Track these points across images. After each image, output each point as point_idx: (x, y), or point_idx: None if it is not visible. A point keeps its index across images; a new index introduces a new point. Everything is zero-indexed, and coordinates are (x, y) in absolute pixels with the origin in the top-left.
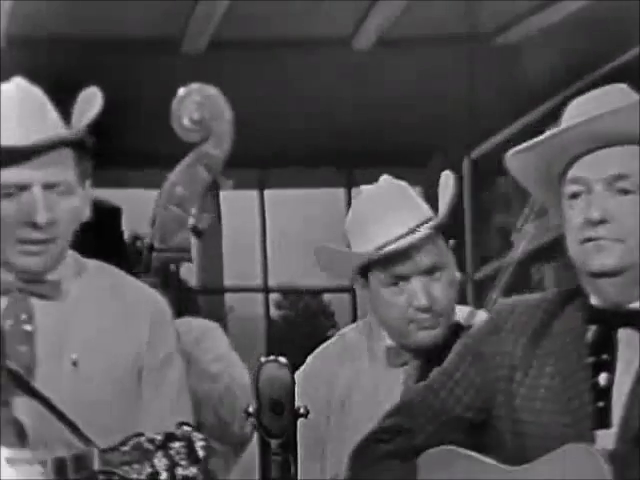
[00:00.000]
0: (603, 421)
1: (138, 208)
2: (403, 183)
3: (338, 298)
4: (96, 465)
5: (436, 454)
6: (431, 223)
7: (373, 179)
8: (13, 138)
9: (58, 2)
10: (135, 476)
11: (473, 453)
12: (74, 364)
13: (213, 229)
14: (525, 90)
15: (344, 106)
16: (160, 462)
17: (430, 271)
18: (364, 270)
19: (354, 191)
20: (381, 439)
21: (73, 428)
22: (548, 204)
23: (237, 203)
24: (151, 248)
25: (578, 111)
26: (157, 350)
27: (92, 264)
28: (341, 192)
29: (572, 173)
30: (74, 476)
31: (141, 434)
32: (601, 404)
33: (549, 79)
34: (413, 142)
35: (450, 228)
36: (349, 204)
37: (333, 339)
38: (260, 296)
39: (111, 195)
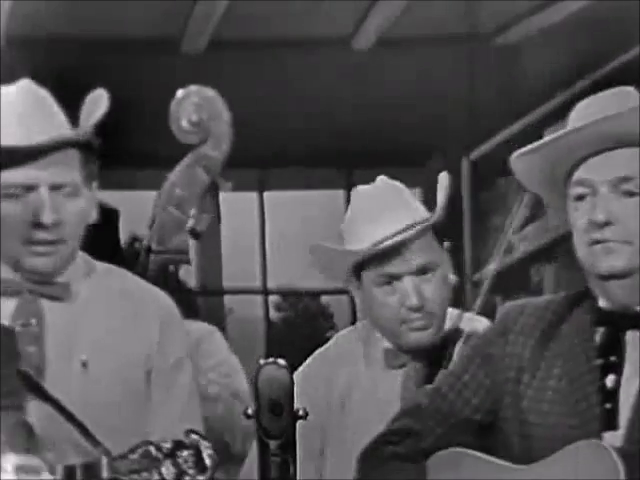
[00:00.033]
0: (610, 423)
1: (136, 209)
2: (399, 183)
3: (337, 300)
4: (105, 473)
5: (445, 456)
6: (422, 222)
7: (373, 180)
8: (19, 138)
9: (57, 2)
10: None
11: (482, 454)
12: (84, 365)
13: (212, 230)
14: (525, 90)
15: (344, 106)
16: (168, 470)
17: (422, 271)
18: (358, 270)
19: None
20: (390, 441)
21: (82, 429)
22: (553, 206)
23: (236, 204)
24: (149, 250)
25: (584, 113)
26: (167, 352)
27: (102, 266)
28: (341, 193)
29: (577, 175)
30: None
31: (150, 442)
32: (608, 406)
33: (549, 79)
34: (413, 142)
35: (448, 229)
36: (349, 205)
37: (331, 341)
38: (259, 298)
39: (109, 196)
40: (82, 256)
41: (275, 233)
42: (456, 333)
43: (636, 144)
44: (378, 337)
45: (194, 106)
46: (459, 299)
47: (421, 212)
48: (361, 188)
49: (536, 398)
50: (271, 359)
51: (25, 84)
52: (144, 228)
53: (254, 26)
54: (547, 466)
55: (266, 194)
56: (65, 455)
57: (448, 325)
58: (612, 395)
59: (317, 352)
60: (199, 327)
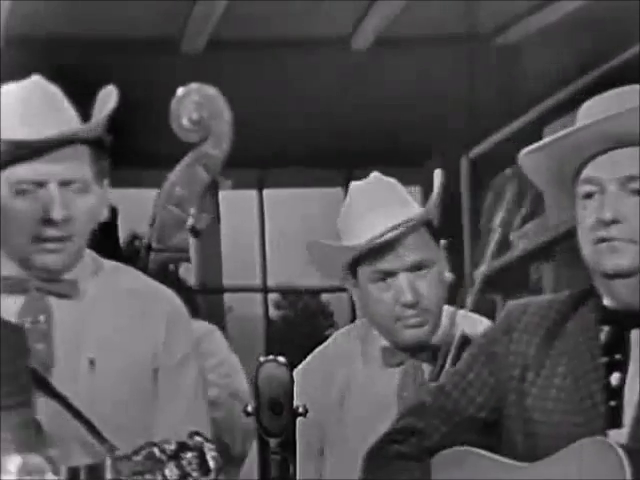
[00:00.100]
0: (615, 421)
1: (136, 208)
2: (393, 180)
3: (337, 298)
4: (109, 475)
5: (450, 454)
6: (408, 218)
7: None
8: (28, 133)
9: (57, 2)
10: None
11: (487, 453)
12: (91, 363)
13: (212, 229)
14: (524, 90)
15: (344, 106)
16: (172, 472)
17: (417, 267)
18: (354, 267)
19: None
20: (395, 440)
21: (89, 426)
22: (559, 204)
23: (236, 203)
24: (149, 248)
25: (592, 111)
26: (173, 350)
27: (109, 264)
28: (340, 192)
29: (586, 173)
30: None
31: (154, 443)
32: (613, 403)
33: (548, 79)
34: (412, 142)
35: (448, 227)
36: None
37: (330, 339)
38: (259, 296)
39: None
40: (90, 254)
41: (275, 231)
42: (452, 331)
43: None
44: (376, 335)
45: (195, 104)
46: (459, 297)
47: (415, 209)
48: (355, 184)
49: (541, 396)
50: (271, 357)
51: (35, 80)
52: (144, 226)
53: (254, 26)
54: (552, 464)
55: (266, 192)
56: (72, 452)
57: (444, 323)
58: (617, 393)
59: (316, 350)
60: (199, 326)
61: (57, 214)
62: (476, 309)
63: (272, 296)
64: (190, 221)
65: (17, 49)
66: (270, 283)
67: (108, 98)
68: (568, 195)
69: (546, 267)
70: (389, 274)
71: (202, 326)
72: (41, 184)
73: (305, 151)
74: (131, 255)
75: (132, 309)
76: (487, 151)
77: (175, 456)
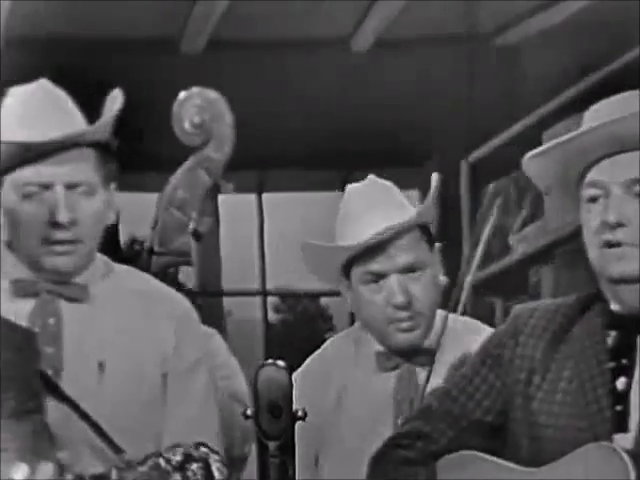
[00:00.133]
0: (621, 425)
1: (135, 211)
2: (389, 183)
3: (336, 302)
4: None
5: (455, 458)
6: (402, 221)
7: None
8: (34, 136)
9: (57, 2)
10: None
11: (492, 457)
12: (100, 366)
13: (211, 232)
14: (524, 92)
15: (344, 107)
16: None
17: (409, 269)
18: (347, 269)
19: None
20: (400, 445)
21: (97, 430)
22: (565, 208)
23: (235, 206)
24: (151, 251)
25: (598, 114)
26: (182, 355)
27: (120, 268)
28: (339, 195)
29: (590, 177)
30: None
31: (160, 454)
32: (619, 408)
33: (548, 80)
34: (412, 143)
35: (447, 230)
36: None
37: (327, 343)
38: (258, 299)
39: None
40: (101, 257)
41: (274, 235)
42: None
43: None
44: (370, 339)
45: (196, 108)
46: (451, 301)
47: (410, 211)
48: (351, 186)
49: (546, 400)
50: (270, 360)
51: (42, 83)
52: (143, 230)
53: (254, 27)
54: (557, 469)
55: (265, 195)
56: (81, 456)
57: (437, 326)
58: (623, 398)
59: (313, 354)
60: None
61: (63, 217)
62: (474, 312)
63: (271, 300)
64: (192, 224)
65: (17, 49)
66: (269, 287)
67: (112, 101)
68: (572, 199)
69: (545, 270)
70: (381, 276)
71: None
72: (47, 187)
73: (305, 151)
74: (131, 258)
75: (142, 313)
76: (487, 155)
77: (181, 467)
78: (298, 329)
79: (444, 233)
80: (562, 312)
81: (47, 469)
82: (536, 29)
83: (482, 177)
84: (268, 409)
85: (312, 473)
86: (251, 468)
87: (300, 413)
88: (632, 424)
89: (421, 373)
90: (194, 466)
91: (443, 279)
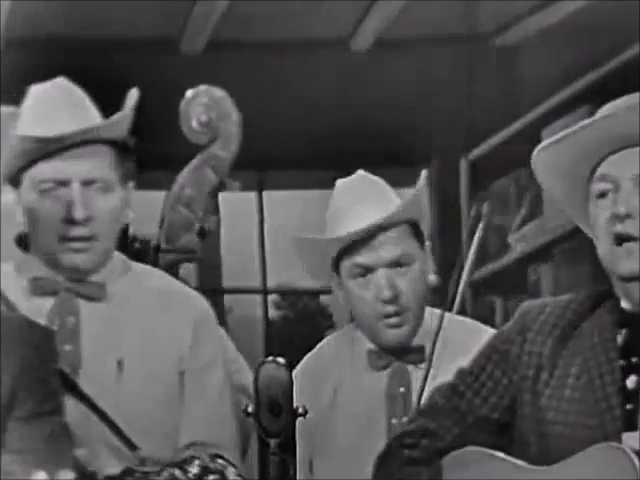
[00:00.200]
0: (630, 424)
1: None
2: (377, 178)
3: (336, 299)
4: None
5: (461, 455)
6: (384, 215)
7: None
8: (49, 131)
9: (57, 2)
10: None
11: (500, 453)
12: (119, 364)
13: (212, 230)
14: (524, 91)
15: (344, 107)
16: None
17: (396, 264)
18: (337, 263)
19: None
20: (405, 443)
21: (115, 429)
22: (571, 205)
23: (235, 204)
24: (157, 249)
25: (612, 110)
26: (199, 354)
27: (138, 266)
28: None
29: (600, 171)
30: None
31: (177, 464)
32: (629, 407)
33: (548, 80)
34: (413, 143)
35: (446, 228)
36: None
37: (322, 342)
38: (259, 297)
39: None
40: (118, 256)
41: (274, 233)
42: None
43: None
44: (362, 338)
45: (203, 106)
46: (451, 299)
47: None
48: (341, 181)
49: (555, 396)
50: (270, 358)
51: (59, 81)
52: (145, 228)
53: (253, 27)
54: (566, 468)
55: (265, 194)
56: (98, 454)
57: (429, 325)
58: (633, 396)
59: (311, 352)
60: None
61: (79, 213)
62: (474, 311)
63: (272, 297)
64: (198, 222)
65: (17, 50)
66: (270, 284)
67: (129, 99)
68: (582, 197)
69: (544, 269)
70: (368, 270)
71: None
72: (63, 183)
73: (305, 152)
74: (138, 256)
75: (160, 311)
76: (487, 153)
77: (198, 479)
78: (298, 326)
79: (443, 230)
80: (572, 308)
81: (66, 476)
82: (535, 29)
83: (482, 175)
84: (268, 406)
85: (306, 474)
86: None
87: (301, 410)
88: None
89: (413, 372)
90: (211, 478)
91: (433, 277)
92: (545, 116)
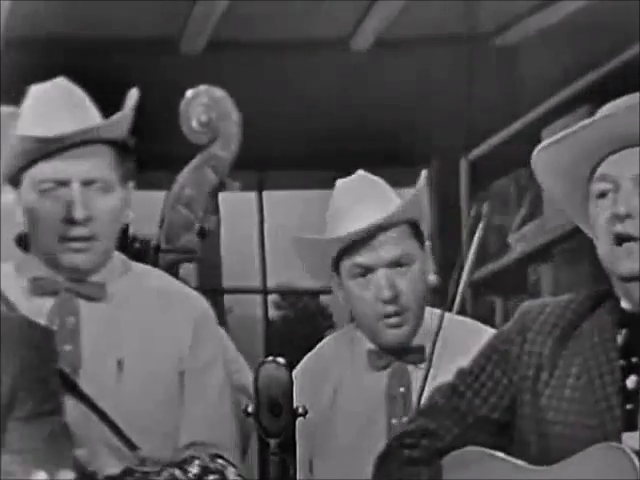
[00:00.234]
0: (630, 424)
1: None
2: (377, 178)
3: (336, 299)
4: None
5: (461, 455)
6: (384, 215)
7: None
8: (49, 131)
9: (57, 2)
10: None
11: (499, 453)
12: (119, 364)
13: (212, 230)
14: (524, 91)
15: (344, 107)
16: None
17: (396, 264)
18: (337, 263)
19: None
20: (405, 443)
21: (114, 429)
22: (571, 206)
23: (235, 204)
24: (157, 249)
25: (607, 111)
26: (198, 354)
27: (138, 267)
28: None
29: (600, 171)
30: None
31: (177, 464)
32: (629, 407)
33: (548, 80)
34: (413, 143)
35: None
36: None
37: (322, 342)
38: (259, 297)
39: None
40: (118, 256)
41: (274, 233)
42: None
43: None
44: (362, 338)
45: (203, 106)
46: (451, 299)
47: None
48: (340, 181)
49: (555, 396)
50: (270, 358)
51: (59, 81)
52: (145, 228)
53: (253, 27)
54: (565, 468)
55: (265, 194)
56: (98, 454)
57: (429, 325)
58: (633, 396)
59: (311, 352)
60: None
61: (79, 213)
62: (474, 311)
63: (272, 297)
64: (199, 222)
65: (17, 50)
66: (270, 284)
67: (130, 99)
68: (582, 197)
69: (544, 269)
70: (368, 270)
71: None
72: (63, 183)
73: (305, 152)
74: (138, 256)
75: (160, 311)
76: (487, 153)
77: (198, 479)
78: (299, 326)
79: (443, 230)
80: (572, 309)
81: (66, 476)
82: (535, 29)
83: (482, 175)
84: (268, 406)
85: (306, 475)
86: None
87: (301, 410)
88: None
89: (413, 372)
90: (211, 478)
91: (433, 277)
92: (545, 116)
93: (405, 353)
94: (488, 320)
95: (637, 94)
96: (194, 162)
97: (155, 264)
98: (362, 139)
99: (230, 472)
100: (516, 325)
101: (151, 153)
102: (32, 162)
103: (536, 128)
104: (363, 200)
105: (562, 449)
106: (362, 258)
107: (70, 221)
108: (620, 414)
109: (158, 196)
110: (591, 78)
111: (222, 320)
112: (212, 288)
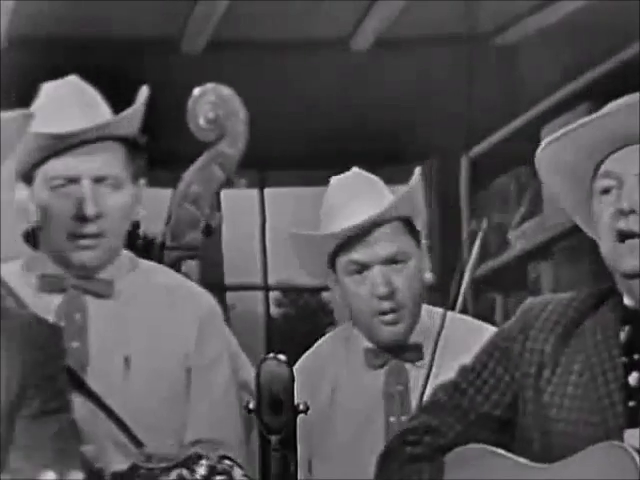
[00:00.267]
0: (633, 420)
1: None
2: (371, 176)
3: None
4: None
5: (464, 452)
6: (379, 210)
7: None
8: (60, 128)
9: (58, 2)
10: None
11: (501, 451)
12: (126, 360)
13: (217, 227)
14: (523, 90)
15: (344, 107)
16: None
17: (392, 261)
18: (333, 260)
19: None
20: (407, 441)
21: (121, 426)
22: (574, 204)
23: (237, 202)
24: (162, 246)
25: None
26: (204, 351)
27: (145, 263)
28: None
29: (604, 168)
30: None
31: (184, 464)
32: (632, 404)
33: (547, 79)
34: (412, 142)
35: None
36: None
37: (317, 343)
38: (260, 294)
39: None
40: (126, 253)
41: (276, 230)
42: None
43: None
44: (359, 337)
45: (211, 104)
46: (455, 296)
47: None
48: (335, 178)
49: (557, 393)
50: (271, 355)
51: (71, 79)
52: (151, 226)
53: (254, 26)
54: (567, 466)
55: (266, 191)
56: (105, 451)
57: (427, 322)
58: (636, 393)
59: (308, 351)
60: None
61: (90, 210)
62: (474, 308)
63: (273, 294)
64: (205, 219)
65: (17, 50)
66: (271, 281)
67: (140, 96)
68: (584, 192)
69: (544, 266)
70: (364, 266)
71: None
72: (74, 180)
73: (305, 152)
74: (139, 253)
75: (167, 308)
76: (487, 151)
77: None
78: (299, 323)
79: (444, 228)
80: (574, 306)
81: (76, 476)
82: (534, 28)
83: (482, 173)
84: (270, 403)
85: (305, 475)
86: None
87: (302, 407)
88: None
89: (411, 370)
90: (218, 479)
91: (429, 275)
92: (545, 114)
93: (402, 351)
94: (488, 317)
95: (638, 93)
96: (201, 160)
97: (160, 261)
98: (362, 139)
99: (237, 473)
100: (518, 322)
101: (151, 152)
102: (45, 159)
103: (536, 126)
104: (357, 197)
105: (565, 446)
106: (358, 255)
107: (81, 218)
108: (622, 411)
109: (162, 194)
110: (590, 76)
111: (225, 317)
112: (214, 285)
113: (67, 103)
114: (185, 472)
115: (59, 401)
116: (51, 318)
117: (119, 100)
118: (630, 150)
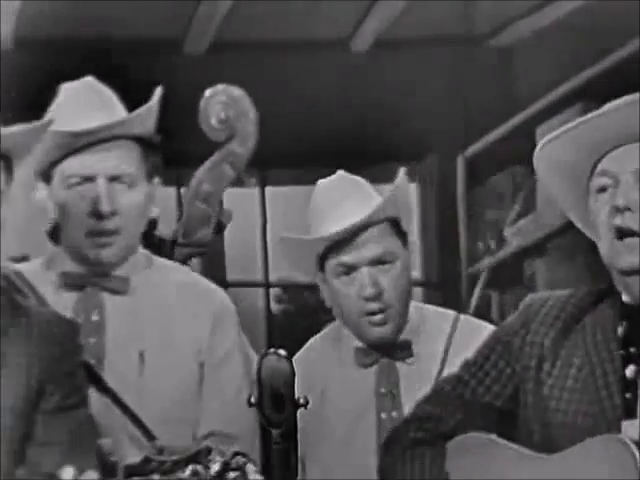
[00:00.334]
0: (630, 412)
1: None
2: (358, 178)
3: None
4: None
5: (465, 440)
6: (366, 213)
7: (372, 178)
8: (76, 127)
9: (60, 3)
10: None
11: (502, 440)
12: (141, 356)
13: (227, 224)
14: (519, 91)
15: (344, 107)
16: None
17: (379, 262)
18: (322, 262)
19: None
20: (409, 428)
21: (136, 421)
22: (571, 203)
23: (238, 200)
24: (174, 243)
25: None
26: (216, 347)
27: (160, 261)
28: None
29: (601, 167)
30: None
31: (199, 461)
32: (628, 395)
33: (543, 80)
34: (411, 142)
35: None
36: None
37: (308, 343)
38: (261, 290)
39: None
40: (142, 252)
41: (277, 227)
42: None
43: None
44: (349, 336)
45: (221, 104)
46: (456, 292)
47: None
48: (321, 182)
49: (557, 386)
50: (272, 350)
51: (87, 80)
52: (160, 224)
53: (256, 27)
54: (567, 457)
55: (267, 189)
56: (121, 445)
57: (415, 320)
58: (632, 385)
59: (297, 356)
60: None
61: (105, 207)
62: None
63: (273, 291)
64: (216, 216)
65: (19, 50)
66: (271, 278)
67: (154, 96)
68: (581, 191)
69: (540, 263)
70: (352, 268)
71: None
72: (89, 179)
73: (305, 151)
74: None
75: (180, 304)
76: (483, 150)
77: (219, 476)
78: (299, 319)
79: (441, 227)
80: (573, 302)
81: (91, 477)
82: (530, 30)
83: (479, 172)
84: (271, 397)
85: (299, 475)
86: None
87: (302, 401)
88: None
89: (402, 368)
90: (232, 475)
91: (417, 275)
92: (540, 114)
93: (392, 349)
94: (485, 313)
95: (636, 94)
96: (212, 158)
97: (170, 258)
98: (362, 139)
99: (250, 469)
100: (519, 317)
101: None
102: (62, 157)
103: (531, 125)
104: (344, 199)
105: (564, 437)
106: (346, 257)
107: (97, 215)
108: (620, 402)
109: (168, 193)
110: (585, 76)
111: None
112: (216, 281)
113: (84, 103)
114: (199, 468)
115: (77, 397)
116: (69, 314)
117: (123, 101)
118: (626, 149)
